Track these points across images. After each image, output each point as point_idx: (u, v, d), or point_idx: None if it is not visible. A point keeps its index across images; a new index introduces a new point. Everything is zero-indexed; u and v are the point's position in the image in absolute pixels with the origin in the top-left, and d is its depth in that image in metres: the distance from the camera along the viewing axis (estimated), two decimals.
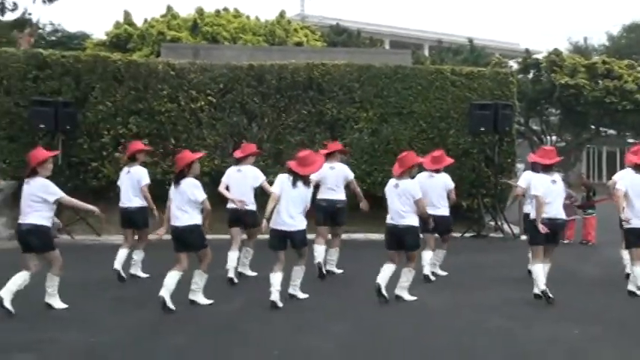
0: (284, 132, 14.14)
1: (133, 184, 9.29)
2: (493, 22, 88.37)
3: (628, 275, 8.78)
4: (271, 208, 7.69)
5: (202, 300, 7.75)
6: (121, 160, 9.62)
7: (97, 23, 75.06)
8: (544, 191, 8.05)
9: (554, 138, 38.63)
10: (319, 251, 9.34)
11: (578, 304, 8.16)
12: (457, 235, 13.71)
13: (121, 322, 7.11)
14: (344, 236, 10.34)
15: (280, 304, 7.59)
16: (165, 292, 7.40)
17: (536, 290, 8.10)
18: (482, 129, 13.87)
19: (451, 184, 9.40)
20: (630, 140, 39.25)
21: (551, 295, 7.88)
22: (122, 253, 9.29)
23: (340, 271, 9.74)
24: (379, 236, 13.00)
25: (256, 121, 14.19)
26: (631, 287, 8.43)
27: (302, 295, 8.03)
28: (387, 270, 7.94)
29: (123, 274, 9.11)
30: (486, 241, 13.55)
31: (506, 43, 51.87)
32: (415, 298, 8.07)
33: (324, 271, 9.34)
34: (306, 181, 7.75)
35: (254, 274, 9.36)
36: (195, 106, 13.95)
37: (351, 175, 9.63)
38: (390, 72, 14.54)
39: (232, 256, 8.95)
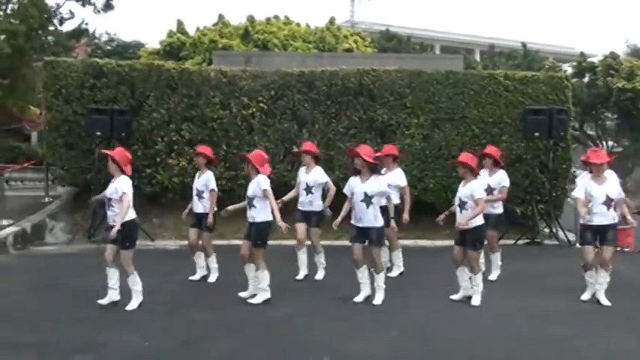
0: (334, 138, 14.15)
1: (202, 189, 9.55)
2: (547, 25, 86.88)
3: None
4: (347, 208, 8.17)
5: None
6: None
7: (151, 32, 76.65)
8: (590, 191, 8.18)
9: (610, 143, 37.71)
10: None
11: (638, 314, 7.92)
12: (510, 242, 13.53)
13: (172, 326, 7.19)
14: None
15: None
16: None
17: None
18: (537, 134, 13.62)
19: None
20: None
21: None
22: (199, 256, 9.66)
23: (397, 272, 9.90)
24: (429, 242, 13.03)
25: (307, 128, 14.24)
26: None
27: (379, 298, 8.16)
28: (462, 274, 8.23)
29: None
30: (541, 248, 13.29)
31: (560, 47, 50.93)
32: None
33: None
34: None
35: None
36: (246, 112, 14.08)
37: (402, 183, 9.83)
38: (441, 77, 14.41)
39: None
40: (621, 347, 6.55)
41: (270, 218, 8.04)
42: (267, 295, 8.02)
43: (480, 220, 8.06)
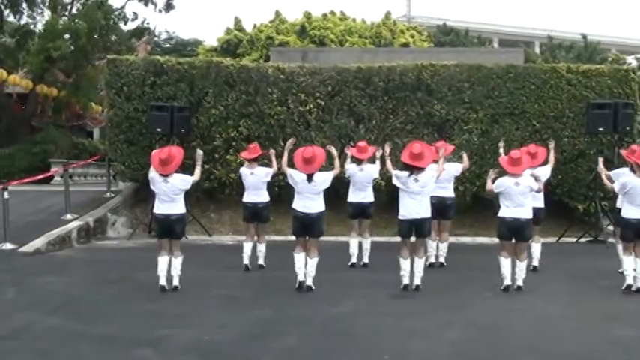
0: (391, 134, 14.01)
1: (258, 184, 9.94)
2: (609, 15, 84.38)
3: None
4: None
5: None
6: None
7: (208, 30, 77.55)
8: (629, 190, 8.38)
9: None
10: (431, 244, 10.04)
11: None
12: (572, 239, 13.21)
13: (232, 320, 7.25)
14: (452, 239, 10.78)
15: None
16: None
17: (629, 281, 8.48)
18: (601, 129, 13.21)
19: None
20: None
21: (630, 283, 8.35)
22: (248, 247, 10.02)
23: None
24: (488, 239, 12.79)
25: (364, 123, 14.16)
26: None
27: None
28: (508, 265, 8.49)
29: (249, 266, 9.90)
30: (604, 246, 12.91)
31: (623, 38, 49.35)
32: None
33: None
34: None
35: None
36: (303, 108, 14.09)
37: (459, 171, 10.41)
38: (501, 71, 14.13)
39: (354, 242, 10.18)
40: None
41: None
42: None
43: None
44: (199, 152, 9.10)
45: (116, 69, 14.22)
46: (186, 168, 13.71)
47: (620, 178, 8.70)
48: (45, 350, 6.21)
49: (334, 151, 9.15)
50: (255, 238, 10.09)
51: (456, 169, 10.24)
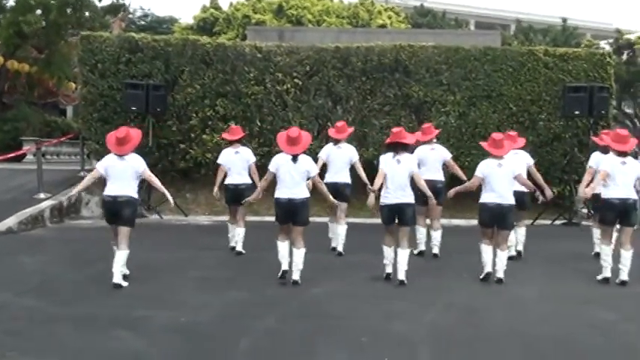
0: (369, 115, 14.00)
1: (243, 164, 9.78)
2: (584, 0, 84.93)
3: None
4: (379, 183, 8.10)
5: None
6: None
7: (184, 7, 76.44)
8: (612, 170, 8.14)
9: None
10: (422, 232, 9.80)
11: None
12: (547, 222, 13.33)
13: (209, 302, 7.20)
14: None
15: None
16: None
17: (607, 274, 8.25)
18: (577, 112, 13.31)
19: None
20: None
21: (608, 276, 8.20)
22: (232, 229, 9.92)
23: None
24: (464, 221, 12.82)
25: (341, 104, 14.10)
26: None
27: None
28: (490, 252, 8.21)
29: (241, 249, 9.71)
30: (579, 229, 13.05)
31: (597, 23, 49.78)
32: None
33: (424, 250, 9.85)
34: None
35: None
36: (281, 88, 13.98)
37: (449, 156, 9.97)
38: (478, 54, 14.13)
39: (333, 227, 9.96)
40: None
41: None
42: None
43: None
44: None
45: (90, 46, 13.96)
46: (161, 147, 13.75)
47: (600, 166, 8.50)
48: (20, 332, 6.10)
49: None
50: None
51: (446, 153, 9.93)
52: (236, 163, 9.78)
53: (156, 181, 8.20)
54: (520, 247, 9.76)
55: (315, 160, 9.63)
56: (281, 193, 7.98)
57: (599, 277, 8.32)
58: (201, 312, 6.80)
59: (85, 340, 5.91)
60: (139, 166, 7.96)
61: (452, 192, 8.59)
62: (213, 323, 6.45)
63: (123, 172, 7.87)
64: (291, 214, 7.96)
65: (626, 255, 8.19)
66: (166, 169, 13.77)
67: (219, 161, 10.00)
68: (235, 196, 9.57)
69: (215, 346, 5.86)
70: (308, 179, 8.05)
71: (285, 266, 8.00)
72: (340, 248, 9.75)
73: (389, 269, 8.20)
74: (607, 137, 8.97)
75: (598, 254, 8.85)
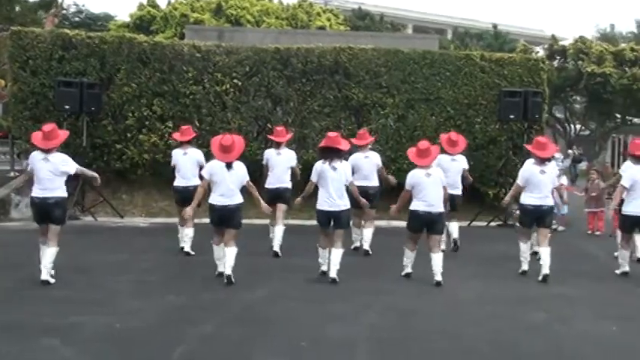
0: (309, 116, 13.97)
1: (192, 165, 9.67)
2: (517, 7, 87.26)
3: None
4: (308, 192, 8.41)
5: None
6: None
7: (120, 5, 74.97)
8: (530, 178, 8.62)
9: (578, 126, 38.12)
10: (356, 231, 10.10)
11: (616, 299, 7.96)
12: (483, 224, 13.57)
13: (145, 306, 7.02)
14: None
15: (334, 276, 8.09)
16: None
17: (525, 267, 8.87)
18: (512, 116, 13.60)
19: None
20: None
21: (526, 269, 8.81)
22: (182, 231, 9.78)
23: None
24: (401, 223, 12.82)
25: (281, 105, 14.03)
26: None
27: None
28: (412, 256, 8.47)
29: (189, 250, 9.63)
30: (513, 230, 13.30)
31: (530, 30, 51.16)
32: None
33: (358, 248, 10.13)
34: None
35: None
36: (220, 89, 13.81)
37: (381, 164, 10.16)
38: (417, 57, 14.28)
39: (275, 230, 9.83)
40: (601, 332, 6.56)
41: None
42: None
43: None
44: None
45: (20, 41, 13.49)
46: (96, 147, 13.39)
47: (520, 173, 8.96)
48: None
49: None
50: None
51: (378, 160, 10.09)
52: (185, 165, 9.62)
53: (85, 171, 8.35)
54: (455, 235, 10.18)
55: (255, 164, 9.69)
56: (215, 199, 7.98)
57: (519, 271, 8.87)
58: (136, 317, 6.61)
59: (12, 349, 5.64)
60: (65, 166, 7.82)
61: (394, 211, 8.53)
62: (149, 329, 6.28)
63: (49, 173, 7.74)
64: (225, 218, 8.01)
65: (545, 251, 8.63)
66: (101, 170, 13.34)
67: (172, 163, 10.02)
68: (184, 197, 9.45)
69: (149, 354, 5.70)
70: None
71: (221, 267, 8.09)
72: (277, 248, 9.76)
73: (324, 267, 8.35)
74: (530, 144, 9.25)
75: None
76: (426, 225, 8.27)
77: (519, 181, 8.83)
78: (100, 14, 35.75)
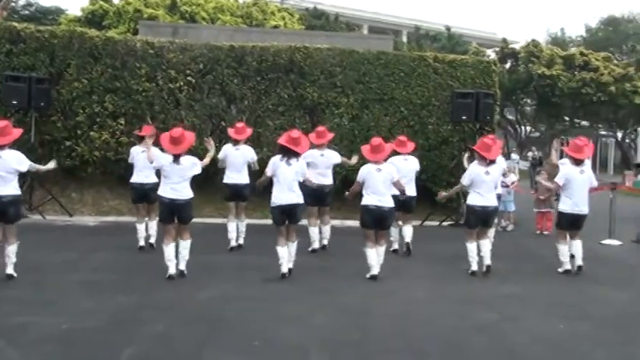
0: (263, 115, 13.91)
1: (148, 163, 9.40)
2: (470, 10, 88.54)
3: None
4: (263, 182, 8.48)
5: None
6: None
7: None
8: (477, 180, 8.82)
9: (528, 128, 38.91)
10: (313, 231, 10.10)
11: (562, 298, 8.12)
12: (435, 223, 13.71)
13: (95, 307, 6.88)
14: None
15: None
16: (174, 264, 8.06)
17: (474, 267, 8.99)
18: (464, 117, 13.78)
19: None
20: (603, 132, 39.74)
21: (475, 269, 8.91)
22: (141, 229, 9.79)
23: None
24: (355, 223, 12.88)
25: (235, 104, 13.94)
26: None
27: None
28: (375, 254, 8.51)
29: (144, 245, 9.74)
30: (464, 230, 13.48)
31: (483, 32, 51.94)
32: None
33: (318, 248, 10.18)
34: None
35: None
36: (173, 86, 13.64)
37: (339, 160, 10.28)
38: (372, 57, 14.35)
39: (233, 226, 9.94)
40: (549, 331, 6.68)
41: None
42: None
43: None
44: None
45: None
46: (44, 144, 13.07)
47: (465, 174, 9.15)
48: None
49: (210, 147, 8.78)
50: (147, 218, 9.85)
51: (336, 158, 10.21)
52: (143, 162, 9.49)
53: (38, 167, 8.58)
54: (408, 239, 10.18)
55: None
56: (164, 192, 8.01)
57: (469, 271, 9.01)
58: (85, 318, 6.48)
59: None
60: (19, 164, 7.77)
61: (349, 196, 8.74)
62: (98, 330, 6.16)
63: (3, 171, 7.63)
64: (175, 213, 8.02)
65: (486, 243, 9.00)
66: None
67: (130, 160, 9.99)
68: (140, 195, 9.62)
69: (98, 355, 5.59)
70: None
71: (171, 269, 8.03)
72: (241, 240, 10.05)
73: (284, 269, 8.28)
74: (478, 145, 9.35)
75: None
76: (376, 220, 8.39)
77: (464, 181, 9.04)
78: (50, 8, 34.97)
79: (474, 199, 8.90)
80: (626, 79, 31.18)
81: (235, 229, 10.04)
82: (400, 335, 6.39)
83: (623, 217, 12.84)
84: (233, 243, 10.00)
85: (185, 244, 8.11)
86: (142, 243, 9.73)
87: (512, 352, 6.08)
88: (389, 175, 8.43)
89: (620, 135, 36.43)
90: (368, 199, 8.37)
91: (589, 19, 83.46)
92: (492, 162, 8.91)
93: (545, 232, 13.30)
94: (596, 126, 37.40)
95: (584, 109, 33.51)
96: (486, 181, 8.82)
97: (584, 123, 37.10)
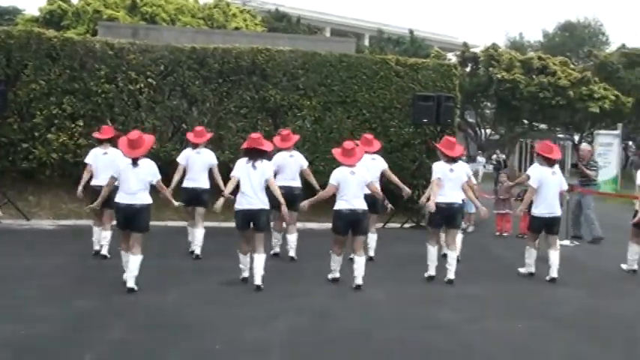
0: (225, 117, 13.83)
1: (110, 165, 9.06)
2: (432, 14, 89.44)
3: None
4: (231, 188, 8.13)
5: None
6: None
7: None
8: (442, 177, 8.71)
9: (488, 131, 39.42)
10: (276, 236, 9.96)
11: (521, 298, 8.23)
12: (396, 225, 13.79)
13: (52, 312, 6.75)
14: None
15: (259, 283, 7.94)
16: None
17: (432, 272, 8.85)
18: (425, 120, 13.89)
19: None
20: (560, 135, 40.47)
21: (433, 275, 8.80)
22: (97, 233, 9.45)
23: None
24: (317, 225, 12.99)
25: (197, 106, 13.82)
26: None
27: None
28: (340, 260, 8.38)
29: (106, 253, 9.32)
30: (426, 232, 13.56)
31: (444, 36, 52.53)
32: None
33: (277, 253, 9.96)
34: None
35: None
36: (134, 87, 13.47)
37: (305, 164, 10.00)
38: (334, 60, 14.38)
39: (195, 232, 9.66)
40: (508, 330, 6.77)
41: None
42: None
43: None
44: None
45: None
46: (0, 146, 12.80)
47: (434, 174, 8.98)
48: None
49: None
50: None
51: (303, 160, 9.99)
52: (104, 164, 9.27)
53: None
54: (372, 253, 9.98)
55: (170, 165, 9.49)
56: (121, 197, 7.73)
57: (426, 275, 8.88)
58: (42, 324, 6.36)
59: None
60: None
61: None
62: (56, 336, 6.06)
63: None
64: (130, 219, 7.68)
65: (452, 255, 8.78)
66: (6, 170, 12.91)
67: (86, 160, 9.61)
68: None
69: None
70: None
71: (126, 276, 7.74)
72: (198, 250, 9.64)
73: (245, 274, 8.19)
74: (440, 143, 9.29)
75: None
76: (350, 225, 8.17)
77: (435, 177, 8.82)
78: (7, 7, 34.35)
79: (438, 197, 8.72)
80: (583, 84, 31.81)
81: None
82: (361, 336, 6.41)
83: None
84: (193, 246, 9.78)
85: (134, 260, 7.59)
86: (97, 247, 9.46)
87: (471, 351, 6.16)
88: (362, 179, 8.28)
89: (577, 138, 37.12)
90: (341, 204, 8.13)
91: (546, 24, 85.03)
92: (454, 160, 8.84)
93: (505, 234, 13.47)
94: (554, 129, 38.04)
95: (543, 113, 34.06)
96: (452, 179, 8.72)
97: (543, 126, 37.72)
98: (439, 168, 8.84)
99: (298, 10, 42.78)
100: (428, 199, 8.98)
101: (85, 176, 9.48)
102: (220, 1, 27.62)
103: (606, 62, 34.89)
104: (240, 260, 8.20)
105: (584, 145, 14.35)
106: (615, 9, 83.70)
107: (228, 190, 8.15)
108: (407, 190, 10.04)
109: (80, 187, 9.45)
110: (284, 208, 8.23)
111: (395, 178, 10.23)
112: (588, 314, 7.61)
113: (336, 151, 8.47)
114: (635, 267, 9.90)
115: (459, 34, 57.09)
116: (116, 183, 7.96)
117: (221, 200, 8.10)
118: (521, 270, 9.40)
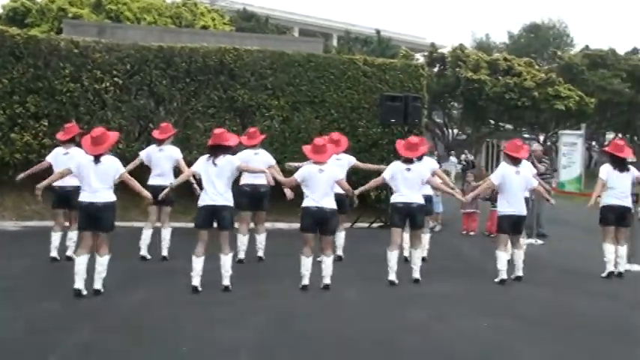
0: (193, 117, 13.74)
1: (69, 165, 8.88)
2: (400, 14, 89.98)
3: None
4: (180, 181, 8.23)
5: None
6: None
7: None
8: (393, 176, 8.65)
9: (455, 131, 39.78)
10: (242, 240, 9.57)
11: (489, 296, 8.31)
12: (364, 225, 13.83)
13: (16, 315, 6.64)
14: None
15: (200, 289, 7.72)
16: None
17: (391, 277, 8.58)
18: (393, 120, 13.95)
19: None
20: (526, 135, 40.99)
21: (395, 281, 8.51)
22: (56, 238, 9.14)
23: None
24: (286, 225, 12.96)
25: (164, 105, 13.71)
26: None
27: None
28: (310, 262, 8.18)
29: (58, 257, 9.10)
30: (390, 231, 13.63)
31: (412, 37, 52.79)
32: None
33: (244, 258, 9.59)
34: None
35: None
36: (99, 86, 13.30)
37: (273, 162, 9.66)
38: (302, 60, 14.38)
39: (148, 234, 9.48)
40: (476, 328, 6.83)
41: None
42: None
43: None
44: None
45: None
46: None
47: (383, 173, 8.96)
48: None
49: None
50: (67, 224, 9.24)
51: (269, 158, 9.72)
52: (65, 165, 9.03)
53: None
54: (340, 252, 9.97)
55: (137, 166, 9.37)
56: (83, 196, 7.49)
57: (388, 279, 8.56)
58: (5, 327, 6.25)
59: None
60: None
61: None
62: (19, 339, 5.94)
63: None
64: (93, 218, 7.44)
65: (416, 254, 8.77)
66: None
67: (47, 159, 9.26)
68: (62, 198, 8.96)
69: None
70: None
71: (78, 284, 7.30)
72: (165, 252, 9.53)
73: (195, 281, 7.75)
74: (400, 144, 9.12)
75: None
76: (318, 223, 8.07)
77: (385, 174, 8.75)
78: None
79: (397, 197, 8.67)
80: (548, 84, 32.28)
81: (150, 237, 9.51)
82: (332, 336, 6.40)
83: (548, 218, 13.30)
84: (143, 252, 9.45)
85: (102, 261, 7.38)
86: (53, 253, 9.12)
87: (440, 349, 6.19)
88: (332, 175, 8.18)
89: (542, 138, 37.64)
90: (309, 202, 8.04)
91: (512, 25, 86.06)
92: (411, 161, 8.68)
93: (472, 233, 13.61)
94: (520, 129, 38.53)
95: (509, 113, 34.51)
96: (408, 178, 8.57)
97: (509, 126, 38.20)
98: (391, 167, 8.78)
99: (266, 9, 42.70)
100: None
101: (54, 177, 9.01)
102: (188, 0, 27.41)
103: (571, 63, 35.48)
104: (193, 265, 7.76)
105: (536, 145, 14.52)
106: (579, 10, 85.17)
107: (177, 181, 8.25)
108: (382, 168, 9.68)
109: (42, 184, 8.91)
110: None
111: (369, 165, 10.73)
112: (554, 312, 7.70)
113: (307, 148, 8.37)
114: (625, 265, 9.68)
115: (426, 35, 57.45)
116: (78, 183, 7.76)
117: (166, 190, 8.28)
118: (496, 280, 8.92)
